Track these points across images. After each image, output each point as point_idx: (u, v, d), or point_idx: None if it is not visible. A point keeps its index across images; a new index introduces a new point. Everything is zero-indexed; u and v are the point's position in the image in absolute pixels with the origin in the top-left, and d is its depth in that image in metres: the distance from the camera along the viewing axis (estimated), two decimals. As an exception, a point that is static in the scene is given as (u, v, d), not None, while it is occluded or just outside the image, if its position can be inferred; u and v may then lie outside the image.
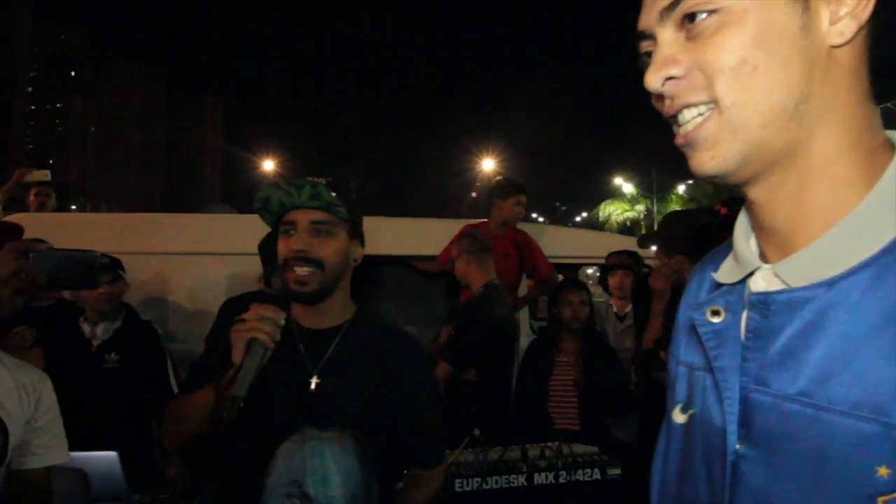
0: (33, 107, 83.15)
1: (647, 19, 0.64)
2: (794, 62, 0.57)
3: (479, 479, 2.08)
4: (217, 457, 1.43)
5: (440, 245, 3.75)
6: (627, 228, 30.65)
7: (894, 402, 0.51)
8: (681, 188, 31.36)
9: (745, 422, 0.60)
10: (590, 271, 4.86)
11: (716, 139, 0.59)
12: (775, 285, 0.61)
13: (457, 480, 2.06)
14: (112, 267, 2.86)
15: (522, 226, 4.07)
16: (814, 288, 0.58)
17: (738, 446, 0.60)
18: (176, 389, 2.90)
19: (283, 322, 1.30)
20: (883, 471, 0.50)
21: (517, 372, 3.13)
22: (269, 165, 38.35)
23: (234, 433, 1.38)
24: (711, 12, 0.59)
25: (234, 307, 3.08)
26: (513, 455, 2.24)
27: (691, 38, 0.60)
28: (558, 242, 4.28)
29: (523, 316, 3.89)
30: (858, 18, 0.58)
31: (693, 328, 0.68)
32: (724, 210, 1.97)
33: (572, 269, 4.46)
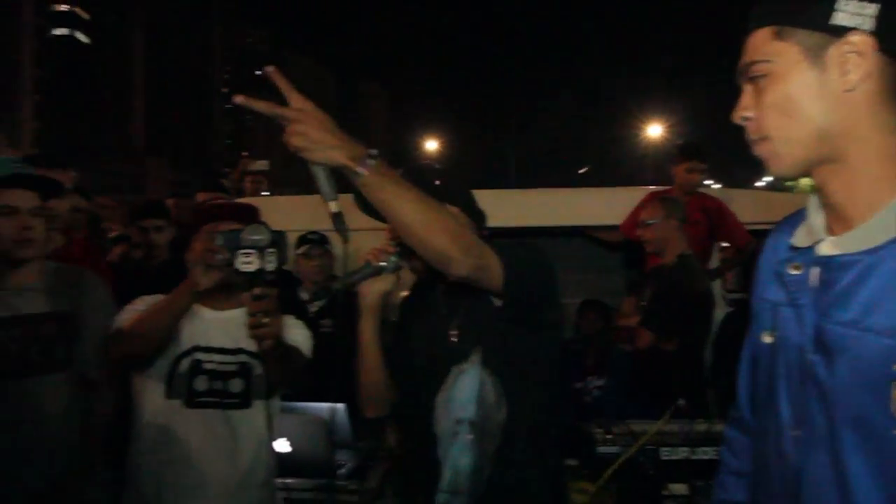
0: (228, 105, 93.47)
1: (738, 70, 0.96)
2: (814, 107, 0.88)
3: (686, 449, 2.04)
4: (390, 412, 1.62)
5: (611, 214, 3.65)
6: (820, 192, 27.25)
7: None
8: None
9: (817, 340, 0.90)
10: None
11: (772, 157, 0.92)
12: (836, 251, 0.90)
13: (662, 449, 2.03)
14: (320, 242, 3.19)
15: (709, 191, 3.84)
16: (861, 254, 0.87)
17: (811, 356, 0.91)
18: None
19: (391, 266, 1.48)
20: (895, 367, 0.81)
21: (713, 344, 3.00)
22: (431, 145, 39.56)
23: (396, 387, 1.56)
24: (764, 76, 0.91)
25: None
26: (720, 428, 2.15)
27: (757, 91, 0.92)
28: (749, 207, 3.95)
29: (716, 287, 3.68)
30: (859, 72, 0.85)
31: (779, 276, 0.99)
32: None
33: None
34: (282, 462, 2.00)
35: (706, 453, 2.04)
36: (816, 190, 0.96)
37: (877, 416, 0.83)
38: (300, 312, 3.15)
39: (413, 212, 1.19)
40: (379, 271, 1.47)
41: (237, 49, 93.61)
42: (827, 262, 0.91)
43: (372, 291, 1.51)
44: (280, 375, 1.79)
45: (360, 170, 1.14)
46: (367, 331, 1.54)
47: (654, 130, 30.64)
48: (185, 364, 1.82)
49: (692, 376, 2.84)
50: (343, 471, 2.24)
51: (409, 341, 1.59)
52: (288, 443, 2.15)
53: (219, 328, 1.88)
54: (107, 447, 1.94)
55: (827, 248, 0.92)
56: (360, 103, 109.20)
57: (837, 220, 0.92)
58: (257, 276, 1.50)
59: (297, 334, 1.92)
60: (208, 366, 1.84)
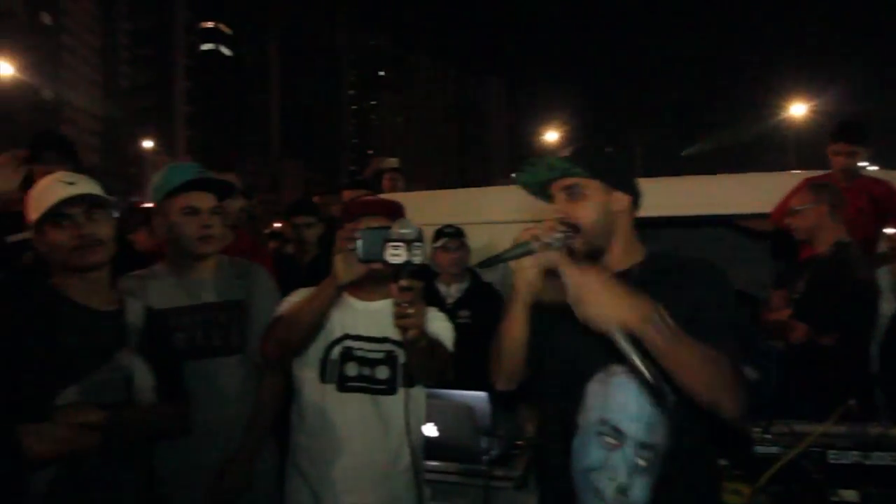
0: (355, 106, 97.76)
1: None
2: None
3: (858, 453, 1.88)
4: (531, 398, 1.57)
5: (761, 202, 3.41)
6: None
7: None
8: None
9: None
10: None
11: None
12: None
13: (830, 452, 1.89)
14: (457, 235, 3.27)
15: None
16: None
17: None
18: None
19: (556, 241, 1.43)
20: None
21: (882, 340, 2.73)
22: (551, 136, 38.88)
23: (542, 375, 1.54)
24: None
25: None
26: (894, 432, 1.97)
27: None
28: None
29: (884, 277, 3.35)
30: None
31: None
32: None
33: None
34: (429, 446, 2.08)
35: (882, 459, 1.87)
36: None
37: None
38: (439, 304, 3.26)
39: (694, 364, 1.24)
40: (546, 248, 1.45)
41: (361, 52, 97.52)
42: None
43: (534, 265, 1.49)
44: (425, 366, 1.86)
45: (652, 333, 1.18)
46: (521, 306, 1.52)
47: (798, 110, 28.00)
48: (336, 351, 1.96)
49: (855, 374, 2.63)
50: (488, 457, 2.29)
51: (558, 325, 1.53)
52: (435, 428, 2.24)
53: (367, 318, 1.99)
54: (273, 424, 2.12)
55: None
56: (479, 96, 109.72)
57: None
58: (404, 268, 1.58)
59: (440, 327, 1.99)
60: (358, 353, 1.96)
